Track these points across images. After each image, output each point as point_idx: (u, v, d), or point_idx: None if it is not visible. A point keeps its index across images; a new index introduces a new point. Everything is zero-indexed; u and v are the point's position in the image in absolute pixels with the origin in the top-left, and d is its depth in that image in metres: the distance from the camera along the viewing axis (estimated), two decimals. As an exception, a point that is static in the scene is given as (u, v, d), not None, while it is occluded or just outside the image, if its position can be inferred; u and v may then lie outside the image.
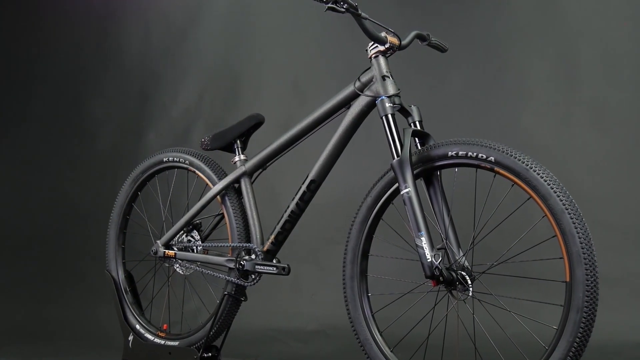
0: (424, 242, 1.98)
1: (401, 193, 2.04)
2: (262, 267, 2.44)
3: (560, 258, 1.88)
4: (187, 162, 2.70)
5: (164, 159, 2.76)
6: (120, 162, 4.24)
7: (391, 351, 2.20)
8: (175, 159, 2.73)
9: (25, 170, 4.65)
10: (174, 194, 2.88)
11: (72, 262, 4.31)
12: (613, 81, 3.49)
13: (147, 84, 4.47)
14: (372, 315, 2.25)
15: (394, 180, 2.16)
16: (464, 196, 2.22)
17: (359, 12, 2.08)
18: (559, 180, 1.93)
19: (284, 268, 2.41)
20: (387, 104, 2.13)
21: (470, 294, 1.98)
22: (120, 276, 2.83)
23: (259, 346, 3.39)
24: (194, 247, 2.63)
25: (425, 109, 2.24)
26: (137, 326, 2.76)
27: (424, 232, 1.98)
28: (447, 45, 2.46)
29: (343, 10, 2.06)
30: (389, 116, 2.13)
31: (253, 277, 2.48)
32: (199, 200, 2.62)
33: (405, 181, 2.02)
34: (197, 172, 2.67)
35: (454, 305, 2.06)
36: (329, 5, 2.05)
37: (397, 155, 2.08)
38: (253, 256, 2.47)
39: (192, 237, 2.66)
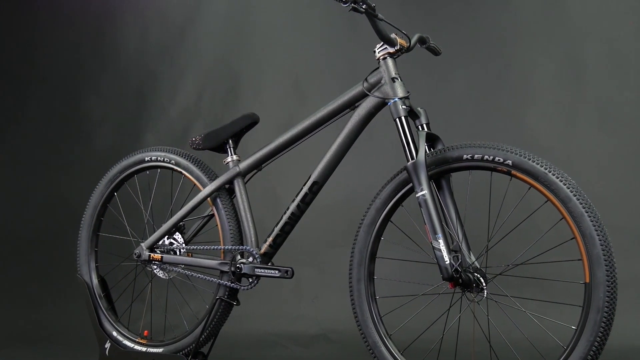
0: (442, 245, 1.99)
1: (417, 196, 2.05)
2: (262, 271, 2.38)
3: (579, 260, 1.92)
4: (172, 162, 2.60)
5: (146, 158, 2.66)
6: (118, 164, 4.18)
7: (401, 354, 2.19)
8: (159, 158, 2.63)
9: (21, 171, 4.61)
10: (148, 195, 2.75)
11: (68, 264, 4.23)
12: (619, 81, 3.49)
13: (145, 83, 4.43)
14: (381, 319, 2.23)
15: (405, 182, 2.17)
16: (471, 199, 2.22)
17: (376, 13, 2.09)
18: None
19: (287, 271, 2.35)
20: (401, 106, 2.13)
21: (485, 295, 2.00)
22: (94, 281, 2.71)
23: (259, 351, 3.35)
24: (181, 250, 2.54)
25: (429, 109, 2.24)
26: (114, 333, 2.64)
27: (440, 234, 1.99)
28: (442, 49, 2.46)
29: (363, 10, 2.06)
30: (403, 118, 2.13)
31: (250, 280, 2.42)
32: (184, 201, 2.54)
33: (420, 184, 2.03)
34: (184, 172, 2.58)
35: (469, 305, 2.08)
36: (352, 5, 2.04)
37: (412, 158, 2.09)
38: (250, 259, 2.41)
39: (174, 239, 2.57)
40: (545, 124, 3.58)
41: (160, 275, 2.58)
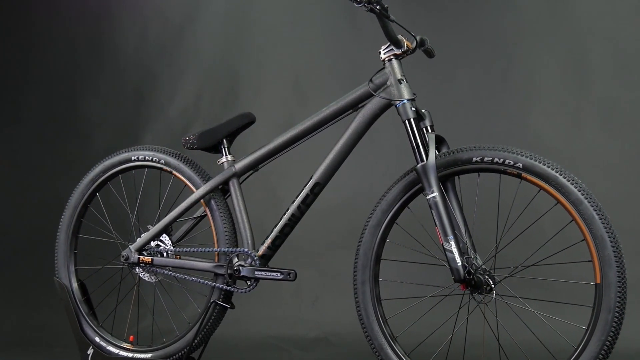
0: (453, 247, 1.99)
1: (427, 197, 2.05)
2: (263, 273, 2.34)
3: (589, 261, 1.95)
4: (162, 161, 2.54)
5: (132, 157, 2.58)
6: (116, 164, 4.14)
7: (408, 356, 2.19)
8: (147, 157, 2.56)
9: (18, 172, 4.58)
10: (132, 196, 2.69)
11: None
12: (624, 81, 3.50)
13: (144, 83, 4.40)
14: (386, 321, 2.23)
15: (412, 184, 2.18)
16: (472, 201, 2.23)
17: (388, 14, 2.10)
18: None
19: (289, 273, 2.32)
20: (410, 108, 2.13)
21: (494, 295, 2.03)
22: (73, 285, 2.63)
23: (259, 354, 3.32)
24: (169, 252, 2.48)
25: (431, 110, 2.23)
26: (97, 339, 2.58)
27: (452, 236, 2.00)
28: (436, 52, 2.45)
29: (378, 11, 2.07)
30: (412, 120, 2.13)
31: (249, 283, 2.37)
32: (174, 202, 2.49)
33: (431, 186, 2.04)
34: (174, 172, 2.53)
35: (477, 305, 2.09)
36: (370, 6, 2.05)
37: (422, 160, 2.09)
38: (249, 261, 2.37)
39: (161, 241, 2.51)
40: (549, 124, 3.57)
41: (146, 279, 2.52)
